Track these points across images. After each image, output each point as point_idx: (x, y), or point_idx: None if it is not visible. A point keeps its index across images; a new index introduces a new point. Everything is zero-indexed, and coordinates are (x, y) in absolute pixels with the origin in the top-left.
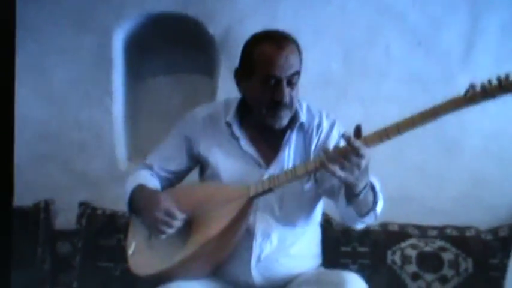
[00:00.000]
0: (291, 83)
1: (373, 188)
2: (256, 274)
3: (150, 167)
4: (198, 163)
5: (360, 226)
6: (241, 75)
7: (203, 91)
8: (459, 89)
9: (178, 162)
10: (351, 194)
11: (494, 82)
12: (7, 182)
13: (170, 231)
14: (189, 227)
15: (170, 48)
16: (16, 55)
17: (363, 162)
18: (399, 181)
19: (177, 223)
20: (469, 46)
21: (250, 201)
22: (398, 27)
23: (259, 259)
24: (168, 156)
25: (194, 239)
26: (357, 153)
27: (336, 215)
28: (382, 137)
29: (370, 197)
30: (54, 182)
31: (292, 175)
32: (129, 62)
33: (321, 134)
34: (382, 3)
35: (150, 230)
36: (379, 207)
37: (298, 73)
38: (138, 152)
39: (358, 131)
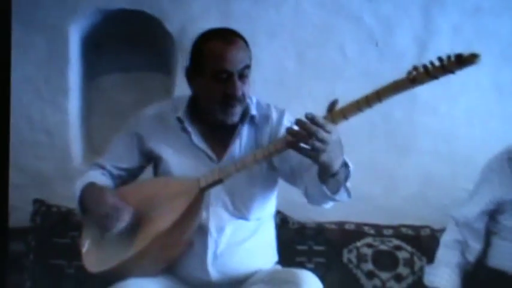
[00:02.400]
0: (242, 77)
1: (345, 164)
2: (212, 270)
3: (102, 167)
4: (151, 160)
5: (329, 205)
6: (192, 73)
7: (159, 89)
8: (414, 89)
9: (130, 159)
10: (326, 174)
11: (437, 63)
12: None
13: (119, 225)
14: (138, 224)
15: (126, 45)
16: None
17: (330, 137)
18: (350, 180)
19: (125, 216)
20: (422, 47)
21: (201, 193)
22: (352, 28)
23: (215, 255)
24: (119, 154)
25: (143, 235)
26: (317, 124)
27: (292, 214)
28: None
29: (343, 174)
30: None
31: (241, 164)
32: (85, 59)
33: (272, 125)
34: (336, 3)
35: (100, 228)
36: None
37: (248, 67)
38: (93, 149)
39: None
